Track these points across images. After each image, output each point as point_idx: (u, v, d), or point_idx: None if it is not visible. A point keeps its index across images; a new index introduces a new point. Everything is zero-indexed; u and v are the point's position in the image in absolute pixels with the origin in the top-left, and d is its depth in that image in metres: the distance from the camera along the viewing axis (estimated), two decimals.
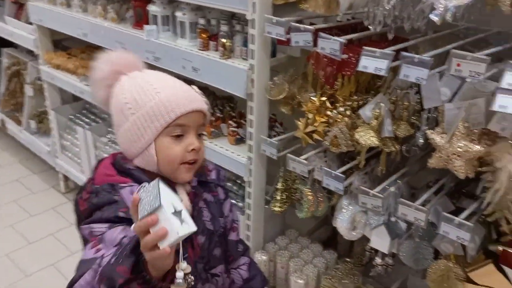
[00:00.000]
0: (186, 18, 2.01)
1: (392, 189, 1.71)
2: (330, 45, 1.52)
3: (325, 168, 1.74)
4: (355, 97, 1.74)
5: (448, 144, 1.35)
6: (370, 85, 1.81)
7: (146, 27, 2.15)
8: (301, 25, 1.61)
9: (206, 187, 1.25)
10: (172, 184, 1.16)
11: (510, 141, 1.30)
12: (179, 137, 1.12)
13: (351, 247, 2.26)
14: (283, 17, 1.69)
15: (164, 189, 0.90)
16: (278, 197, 2.04)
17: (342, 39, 1.50)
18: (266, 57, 1.85)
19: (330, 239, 2.37)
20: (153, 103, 1.10)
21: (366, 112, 1.63)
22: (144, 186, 0.92)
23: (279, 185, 2.03)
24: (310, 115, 1.81)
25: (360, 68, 1.45)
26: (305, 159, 1.84)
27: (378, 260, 1.84)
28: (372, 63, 1.42)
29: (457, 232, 1.42)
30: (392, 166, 1.86)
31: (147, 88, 1.12)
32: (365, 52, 1.44)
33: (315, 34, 1.58)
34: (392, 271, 1.87)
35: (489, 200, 1.37)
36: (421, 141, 1.51)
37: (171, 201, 0.89)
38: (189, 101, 1.13)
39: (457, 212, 1.78)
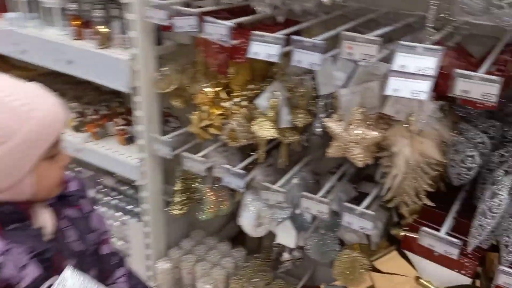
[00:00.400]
0: (53, 3, 1.73)
1: (295, 180, 1.62)
2: (218, 30, 1.38)
3: (224, 165, 1.61)
4: (252, 86, 1.62)
5: (345, 132, 1.29)
6: (267, 72, 1.70)
7: (6, 15, 1.83)
8: (185, 9, 1.44)
9: (65, 202, 1.06)
10: (27, 207, 0.95)
11: (404, 124, 1.25)
12: (53, 156, 0.96)
13: (260, 242, 2.17)
14: None
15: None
16: (178, 199, 1.86)
17: (230, 23, 1.36)
18: (150, 45, 1.65)
19: (239, 235, 2.27)
20: (29, 127, 0.88)
21: (262, 102, 1.52)
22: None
23: (178, 186, 1.85)
24: (204, 108, 1.66)
25: (250, 55, 1.32)
26: (203, 156, 1.69)
27: (285, 255, 1.77)
28: (263, 49, 1.30)
29: (359, 222, 1.37)
30: (295, 156, 1.78)
31: (12, 105, 0.88)
32: (254, 37, 1.31)
33: (202, 18, 1.43)
34: (301, 264, 1.82)
35: (388, 186, 1.33)
36: (319, 130, 1.44)
37: None
38: (63, 111, 0.96)
39: (360, 197, 1.76)
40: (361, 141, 1.28)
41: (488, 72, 1.09)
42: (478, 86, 1.04)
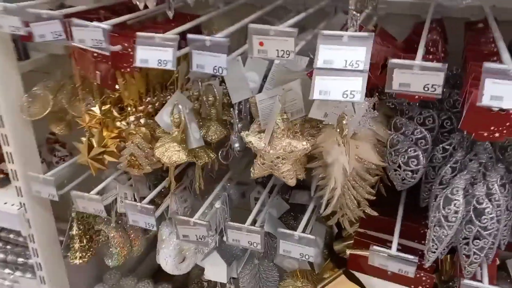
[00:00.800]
0: None
1: (218, 204, 1.37)
2: (91, 35, 1.06)
3: (128, 201, 1.31)
4: (149, 99, 1.33)
5: (269, 146, 1.05)
6: (168, 79, 1.41)
7: None
8: (44, 11, 1.10)
9: None
10: None
11: (336, 129, 1.05)
12: None
13: (187, 274, 1.89)
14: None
15: None
16: (76, 246, 1.52)
17: (106, 24, 1.06)
18: (9, 60, 1.29)
19: (161, 268, 1.96)
20: None
21: (164, 118, 1.23)
22: None
23: (74, 231, 1.51)
24: (94, 132, 1.34)
25: (138, 63, 1.03)
26: (100, 191, 1.37)
27: None
28: (153, 54, 1.02)
29: (299, 249, 1.15)
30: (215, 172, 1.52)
31: None
32: (140, 40, 1.02)
33: (69, 21, 1.10)
34: None
35: (326, 200, 1.13)
36: (237, 145, 1.19)
37: None
38: None
39: (294, 210, 1.56)
40: (289, 155, 1.05)
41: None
42: (420, 77, 0.86)
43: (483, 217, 0.95)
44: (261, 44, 0.94)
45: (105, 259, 1.49)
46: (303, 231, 1.17)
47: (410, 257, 1.05)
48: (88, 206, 1.33)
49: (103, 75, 1.25)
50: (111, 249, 1.46)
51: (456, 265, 1.16)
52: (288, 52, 0.93)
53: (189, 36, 0.99)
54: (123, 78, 1.24)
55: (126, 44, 1.12)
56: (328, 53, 0.87)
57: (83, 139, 1.34)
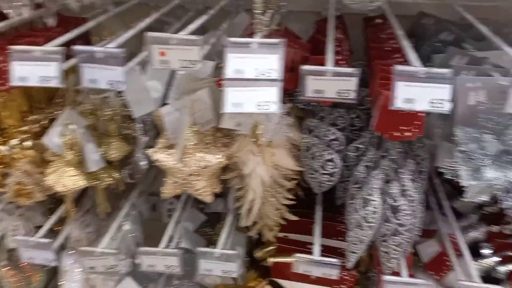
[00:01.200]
0: None
1: (127, 226, 1.25)
2: None
3: (20, 237, 1.13)
4: (34, 117, 1.15)
5: (181, 164, 0.96)
6: (53, 93, 1.24)
7: None
8: None
9: None
10: None
11: (250, 138, 0.99)
12: None
13: None
14: None
15: None
16: None
17: None
18: None
19: None
20: None
21: (53, 138, 1.07)
22: None
23: None
24: None
25: (15, 81, 0.87)
26: None
27: None
28: (34, 70, 0.87)
29: (221, 266, 1.09)
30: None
31: None
32: (16, 55, 0.86)
33: None
34: None
35: (246, 212, 1.08)
36: (144, 163, 1.08)
37: None
38: None
39: (211, 220, 1.49)
40: (204, 171, 0.98)
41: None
42: (333, 83, 0.83)
43: (399, 214, 0.97)
44: (162, 54, 0.85)
45: None
46: (223, 246, 1.11)
47: (333, 260, 1.04)
48: None
49: None
50: None
51: (374, 257, 1.19)
52: (193, 62, 0.85)
53: (77, 48, 0.85)
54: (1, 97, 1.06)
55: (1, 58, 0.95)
56: (238, 62, 0.81)
57: None
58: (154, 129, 1.14)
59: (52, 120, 1.17)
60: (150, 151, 1.00)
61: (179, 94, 1.08)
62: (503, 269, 1.15)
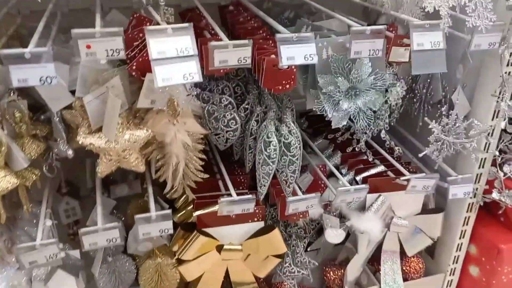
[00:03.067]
0: None
1: (48, 222, 1.30)
2: None
3: None
4: None
5: (115, 142, 1.10)
6: None
7: None
8: None
9: None
10: None
11: (167, 111, 1.18)
12: None
13: None
14: None
15: None
16: None
17: None
18: None
19: None
20: None
21: None
22: None
23: None
24: None
25: None
26: None
27: None
28: None
29: (158, 226, 1.26)
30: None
31: None
32: None
33: None
34: None
35: (170, 176, 1.26)
36: (70, 152, 1.17)
37: None
38: None
39: (119, 206, 1.60)
40: (134, 145, 1.13)
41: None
42: (233, 53, 1.08)
43: (291, 148, 1.28)
44: (88, 46, 0.98)
45: None
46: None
47: (249, 196, 1.31)
48: None
49: None
50: None
51: (271, 194, 1.50)
52: (118, 50, 1.00)
53: (3, 51, 0.92)
54: None
55: None
56: (159, 46, 1.00)
57: None
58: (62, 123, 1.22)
59: None
60: (80, 137, 1.10)
61: (86, 86, 1.19)
62: (358, 177, 1.57)
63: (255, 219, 1.42)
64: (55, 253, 1.18)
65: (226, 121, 1.29)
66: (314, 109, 1.28)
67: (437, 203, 1.67)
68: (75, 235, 1.72)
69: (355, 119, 1.27)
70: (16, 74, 0.94)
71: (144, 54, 1.13)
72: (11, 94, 1.16)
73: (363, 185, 1.41)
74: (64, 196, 1.66)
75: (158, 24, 1.14)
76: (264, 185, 1.32)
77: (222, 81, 1.40)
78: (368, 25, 1.18)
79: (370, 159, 1.56)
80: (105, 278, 1.38)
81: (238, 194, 1.35)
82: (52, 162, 1.23)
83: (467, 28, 1.19)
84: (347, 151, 1.59)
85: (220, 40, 1.11)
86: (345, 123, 1.28)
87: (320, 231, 1.69)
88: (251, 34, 1.37)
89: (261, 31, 1.39)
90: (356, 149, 1.51)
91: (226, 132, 1.31)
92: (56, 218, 1.57)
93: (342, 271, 1.74)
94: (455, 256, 1.70)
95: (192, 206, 1.42)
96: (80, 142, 1.10)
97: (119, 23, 1.45)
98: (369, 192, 1.46)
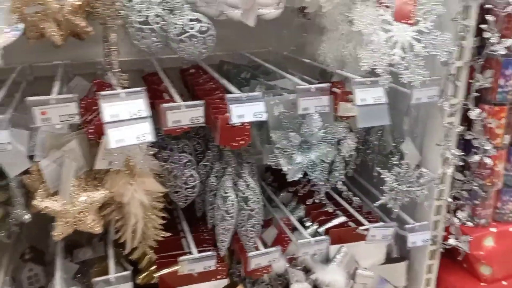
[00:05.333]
0: None
1: None
2: None
3: None
4: None
5: (71, 205, 1.11)
6: None
7: None
8: None
9: None
10: None
11: (124, 172, 1.21)
12: None
13: None
14: None
15: None
16: None
17: None
18: None
19: None
20: None
21: None
22: None
23: None
24: None
25: None
26: None
27: None
28: None
29: None
30: None
31: None
32: None
33: None
34: None
35: (129, 237, 1.26)
36: (27, 217, 1.18)
37: None
38: None
39: (82, 270, 1.57)
40: (91, 206, 1.15)
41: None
42: (186, 114, 1.14)
43: (249, 202, 1.31)
44: (43, 113, 1.02)
45: None
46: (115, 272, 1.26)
47: (209, 253, 1.31)
48: None
49: None
50: None
51: (235, 252, 1.50)
52: (72, 116, 1.04)
53: None
54: None
55: None
56: (112, 109, 1.04)
57: None
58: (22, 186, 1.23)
59: None
60: (36, 201, 1.11)
61: (45, 151, 1.21)
62: (321, 229, 1.59)
63: (218, 277, 1.41)
64: None
65: (184, 178, 1.32)
66: (267, 163, 1.32)
67: (401, 252, 1.69)
68: None
69: (310, 171, 1.31)
70: None
71: (100, 118, 1.18)
72: None
73: (324, 237, 1.43)
74: (27, 262, 1.63)
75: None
76: (224, 241, 1.33)
77: (182, 139, 1.45)
78: (319, 83, 1.26)
79: (331, 210, 1.59)
80: None
81: (201, 252, 1.35)
82: (10, 228, 1.22)
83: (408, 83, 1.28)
84: (307, 203, 1.62)
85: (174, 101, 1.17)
86: (300, 175, 1.32)
87: (287, 286, 1.68)
88: (209, 95, 1.44)
89: (218, 91, 1.46)
90: (317, 200, 1.54)
91: (185, 189, 1.33)
92: (18, 286, 1.53)
93: None
94: None
95: (154, 266, 1.41)
96: (36, 206, 1.11)
97: (82, 88, 1.51)
98: (332, 243, 1.48)
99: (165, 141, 1.44)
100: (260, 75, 1.65)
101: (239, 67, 1.79)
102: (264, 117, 1.16)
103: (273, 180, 1.95)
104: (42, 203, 1.11)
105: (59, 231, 1.13)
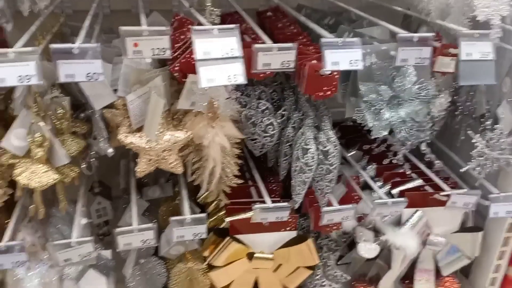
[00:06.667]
0: None
1: (84, 221, 1.30)
2: None
3: None
4: None
5: (155, 142, 1.10)
6: None
7: None
8: None
9: None
10: None
11: (206, 114, 1.17)
12: None
13: None
14: None
15: None
16: None
17: None
18: None
19: None
20: None
21: (13, 141, 1.09)
22: None
23: None
24: None
25: None
26: None
27: None
28: (10, 70, 0.91)
29: (191, 230, 1.24)
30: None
31: None
32: None
33: None
34: None
35: (206, 179, 1.24)
36: (110, 150, 1.17)
37: None
38: None
39: (150, 209, 1.60)
40: (174, 146, 1.13)
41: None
42: (277, 57, 1.07)
43: (329, 156, 1.25)
44: (135, 45, 0.98)
45: None
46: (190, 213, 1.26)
47: (285, 204, 1.28)
48: None
49: None
50: None
51: (304, 204, 1.47)
52: (163, 50, 1.00)
53: (53, 46, 0.93)
54: None
55: None
56: (204, 46, 0.99)
57: None
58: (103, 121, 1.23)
59: None
60: (121, 136, 1.10)
61: (128, 86, 1.19)
62: (395, 190, 1.53)
63: (288, 228, 1.39)
64: (89, 252, 1.17)
65: (263, 126, 1.27)
66: (354, 117, 1.25)
67: (475, 222, 1.60)
68: (104, 236, 1.73)
69: (396, 130, 1.23)
70: (63, 69, 0.95)
71: (187, 56, 1.13)
72: (54, 90, 1.17)
73: (402, 199, 1.36)
74: (96, 196, 1.67)
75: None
76: (300, 194, 1.29)
77: (259, 86, 1.39)
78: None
79: (408, 172, 1.52)
80: (137, 280, 1.37)
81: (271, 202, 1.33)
82: (90, 160, 1.23)
83: None
84: (384, 163, 1.54)
85: (263, 43, 1.10)
86: (386, 133, 1.24)
87: (351, 244, 1.64)
88: (291, 40, 1.35)
89: (301, 37, 1.38)
90: (393, 161, 1.47)
91: (263, 137, 1.29)
92: (87, 217, 1.58)
93: (373, 287, 1.68)
94: (492, 278, 1.63)
95: (223, 211, 1.41)
96: (121, 141, 1.10)
97: (159, 25, 1.46)
98: (406, 207, 1.42)
99: (242, 86, 1.38)
100: (344, 22, 1.54)
101: (320, 12, 1.68)
102: (360, 66, 1.08)
103: (341, 136, 1.88)
104: (127, 138, 1.09)
105: (142, 168, 1.13)
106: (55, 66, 0.94)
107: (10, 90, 1.21)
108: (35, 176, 1.06)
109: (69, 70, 0.95)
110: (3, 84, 0.91)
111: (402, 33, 1.12)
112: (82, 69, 0.96)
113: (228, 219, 1.35)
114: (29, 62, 0.92)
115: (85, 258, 1.18)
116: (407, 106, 1.22)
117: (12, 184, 1.18)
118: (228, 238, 1.33)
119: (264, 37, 1.15)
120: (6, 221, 1.38)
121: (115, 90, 1.17)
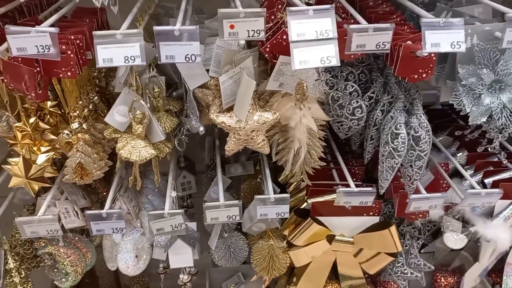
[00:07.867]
0: None
1: (173, 194, 1.38)
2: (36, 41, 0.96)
3: (91, 212, 1.23)
4: (81, 103, 1.23)
5: (245, 122, 1.12)
6: (89, 79, 1.32)
7: None
8: None
9: None
10: None
11: (294, 95, 1.17)
12: None
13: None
14: None
15: None
16: (16, 279, 1.35)
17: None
18: None
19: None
20: None
21: (116, 117, 1.18)
22: None
23: (11, 264, 1.34)
24: (23, 151, 1.20)
25: (101, 64, 0.97)
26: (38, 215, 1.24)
27: (184, 277, 1.52)
28: (118, 51, 0.97)
29: (275, 209, 1.27)
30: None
31: None
32: (99, 40, 0.97)
33: None
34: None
35: (291, 160, 1.25)
36: (202, 129, 1.22)
37: None
38: None
39: (233, 185, 1.65)
40: (262, 126, 1.15)
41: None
42: (372, 38, 1.04)
43: (420, 142, 1.20)
44: (231, 27, 1.00)
45: (58, 282, 1.36)
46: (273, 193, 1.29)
47: (370, 189, 1.26)
48: (40, 230, 1.20)
49: (28, 84, 1.12)
50: (63, 270, 1.34)
51: (387, 192, 1.43)
52: (258, 31, 1.01)
53: (156, 28, 0.98)
54: (59, 85, 1.14)
55: (64, 47, 1.03)
56: (299, 27, 0.98)
57: (14, 160, 1.18)
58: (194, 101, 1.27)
59: (94, 104, 1.27)
60: (212, 116, 1.14)
61: (219, 67, 1.22)
62: (488, 180, 1.44)
63: (371, 213, 1.37)
64: (180, 223, 1.24)
65: (351, 109, 1.25)
66: (450, 102, 1.18)
67: None
68: (188, 208, 1.82)
69: (495, 116, 1.15)
70: (164, 50, 0.99)
71: (278, 37, 1.13)
72: (151, 70, 1.23)
73: (496, 190, 1.28)
74: (182, 170, 1.76)
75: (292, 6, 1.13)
76: (387, 179, 1.26)
77: (347, 67, 1.36)
78: None
79: (504, 162, 1.42)
80: (220, 252, 1.43)
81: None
82: (182, 137, 1.29)
83: None
84: (478, 150, 1.45)
85: (356, 22, 1.07)
86: (484, 119, 1.17)
87: (435, 233, 1.59)
88: (384, 19, 1.30)
89: (394, 16, 1.32)
90: (489, 149, 1.38)
91: (350, 120, 1.26)
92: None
93: (455, 278, 1.63)
94: None
95: (303, 192, 1.42)
96: (212, 120, 1.14)
97: (249, 6, 1.47)
98: (500, 198, 1.33)
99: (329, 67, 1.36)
100: (440, 0, 1.45)
101: None
102: (462, 48, 1.01)
103: (429, 120, 1.80)
104: (219, 118, 1.13)
105: (231, 147, 1.16)
106: (158, 47, 0.99)
107: (110, 68, 1.30)
108: (135, 150, 1.13)
109: (170, 52, 0.99)
110: (110, 64, 0.98)
111: (510, 12, 1.04)
112: (182, 51, 0.99)
113: (310, 201, 1.36)
114: (134, 44, 0.97)
115: (176, 229, 1.25)
116: (510, 91, 1.13)
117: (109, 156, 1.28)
118: (309, 219, 1.34)
119: (358, 16, 1.11)
120: (104, 190, 1.50)
121: (207, 71, 1.20)
